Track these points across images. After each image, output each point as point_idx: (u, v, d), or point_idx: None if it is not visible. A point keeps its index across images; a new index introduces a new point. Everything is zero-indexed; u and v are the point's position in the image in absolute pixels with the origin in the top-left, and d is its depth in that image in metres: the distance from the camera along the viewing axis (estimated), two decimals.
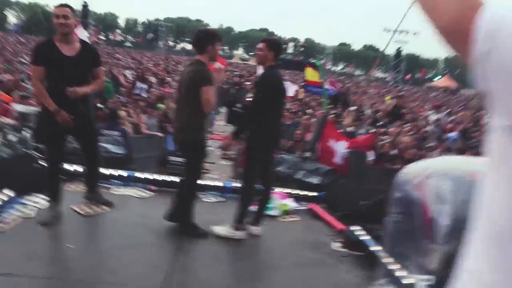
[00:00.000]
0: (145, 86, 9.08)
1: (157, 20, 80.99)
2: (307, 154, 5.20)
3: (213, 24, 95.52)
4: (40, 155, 4.69)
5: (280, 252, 3.49)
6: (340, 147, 5.63)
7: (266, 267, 3.29)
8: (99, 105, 6.90)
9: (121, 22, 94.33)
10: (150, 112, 7.08)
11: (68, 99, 3.14)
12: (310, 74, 10.89)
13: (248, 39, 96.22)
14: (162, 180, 4.48)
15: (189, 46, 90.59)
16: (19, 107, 4.30)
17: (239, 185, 4.55)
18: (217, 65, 3.60)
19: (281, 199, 4.27)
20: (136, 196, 4.22)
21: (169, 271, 2.90)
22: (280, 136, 3.90)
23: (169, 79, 13.02)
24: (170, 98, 8.95)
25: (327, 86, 10.62)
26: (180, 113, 3.48)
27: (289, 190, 4.59)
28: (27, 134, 4.47)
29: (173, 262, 3.05)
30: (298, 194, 4.60)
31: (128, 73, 13.28)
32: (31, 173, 3.84)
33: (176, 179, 4.48)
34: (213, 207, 4.25)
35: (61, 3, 3.31)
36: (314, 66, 10.44)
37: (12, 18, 79.73)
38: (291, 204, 4.34)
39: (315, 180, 4.79)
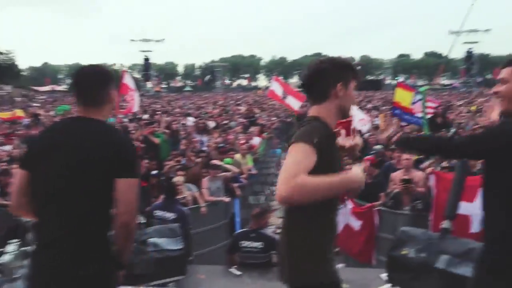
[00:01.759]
0: (205, 138, 7.94)
1: (212, 61, 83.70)
2: (446, 225, 3.42)
3: (266, 57, 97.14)
4: None
5: None
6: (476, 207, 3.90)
7: None
8: (153, 172, 5.80)
9: (180, 69, 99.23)
10: (214, 174, 5.78)
11: None
12: (401, 96, 8.99)
13: (302, 66, 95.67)
14: None
15: (244, 82, 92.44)
16: None
17: None
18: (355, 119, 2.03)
19: None
20: None
21: None
22: None
23: (232, 123, 11.94)
24: (236, 148, 7.71)
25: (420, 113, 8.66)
26: (288, 230, 1.81)
27: None
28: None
29: None
30: None
31: (190, 120, 12.50)
32: None
33: None
34: None
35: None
36: (407, 86, 8.73)
37: None
38: None
39: (468, 271, 2.99)
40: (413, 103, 8.72)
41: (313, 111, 1.84)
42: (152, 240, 3.55)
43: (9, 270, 3.03)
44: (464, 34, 47.88)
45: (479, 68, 54.10)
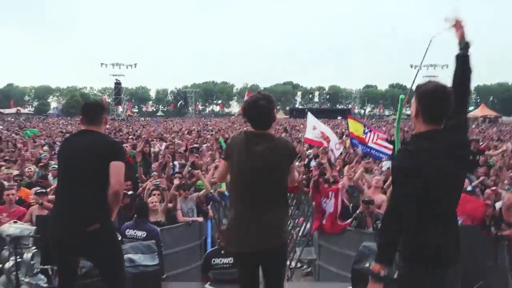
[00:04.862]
0: (176, 162, 8.06)
1: (185, 87, 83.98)
2: None
3: (238, 84, 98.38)
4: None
5: None
6: None
7: None
8: (128, 192, 5.87)
9: (153, 93, 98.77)
10: (185, 195, 5.93)
11: None
12: (354, 127, 9.42)
13: (274, 93, 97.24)
14: None
15: (217, 108, 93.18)
16: (10, 229, 3.23)
17: None
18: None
19: None
20: None
21: None
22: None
23: (203, 146, 12.09)
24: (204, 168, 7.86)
25: (373, 144, 9.01)
26: (264, 210, 2.50)
27: None
28: (28, 254, 3.36)
29: None
30: None
31: (164, 145, 12.50)
32: None
33: None
34: None
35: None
36: (357, 118, 9.30)
37: (54, 104, 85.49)
38: None
39: None
40: (364, 133, 9.18)
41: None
42: (127, 256, 3.65)
43: None
44: (424, 68, 50.82)
45: None
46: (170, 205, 5.66)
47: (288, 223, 2.65)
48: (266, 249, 2.44)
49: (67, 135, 17.19)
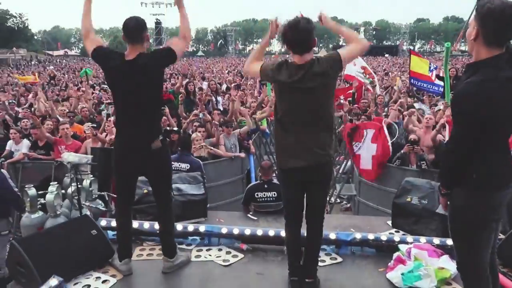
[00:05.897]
0: (220, 98, 8.18)
1: (225, 26, 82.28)
2: None
3: (281, 20, 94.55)
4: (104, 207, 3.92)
5: None
6: None
7: None
8: (174, 128, 6.08)
9: (193, 33, 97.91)
10: (228, 131, 6.06)
11: None
12: (417, 64, 8.83)
13: (318, 30, 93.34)
14: (254, 235, 3.34)
15: None
16: (70, 157, 3.50)
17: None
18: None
19: (432, 258, 2.84)
20: (221, 263, 3.15)
21: None
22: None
23: (244, 86, 12.12)
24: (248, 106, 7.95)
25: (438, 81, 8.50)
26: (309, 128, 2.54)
27: (438, 241, 3.14)
28: (87, 181, 3.66)
29: None
30: None
31: (205, 84, 12.66)
32: (87, 244, 2.97)
33: (271, 231, 3.36)
34: (326, 273, 3.00)
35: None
36: (421, 55, 8.61)
37: None
38: (451, 265, 2.75)
39: None
40: (430, 70, 8.60)
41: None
42: (175, 185, 3.88)
43: (52, 208, 3.41)
44: None
45: None
46: (213, 139, 5.86)
47: (333, 145, 2.62)
48: (312, 165, 2.53)
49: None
